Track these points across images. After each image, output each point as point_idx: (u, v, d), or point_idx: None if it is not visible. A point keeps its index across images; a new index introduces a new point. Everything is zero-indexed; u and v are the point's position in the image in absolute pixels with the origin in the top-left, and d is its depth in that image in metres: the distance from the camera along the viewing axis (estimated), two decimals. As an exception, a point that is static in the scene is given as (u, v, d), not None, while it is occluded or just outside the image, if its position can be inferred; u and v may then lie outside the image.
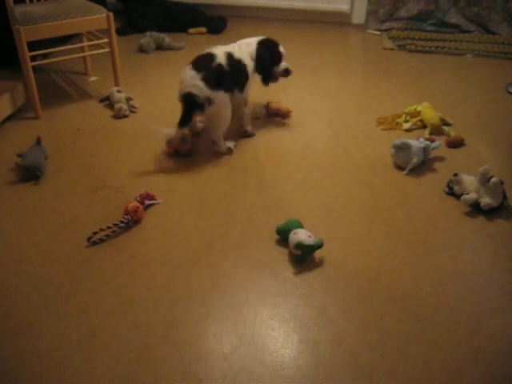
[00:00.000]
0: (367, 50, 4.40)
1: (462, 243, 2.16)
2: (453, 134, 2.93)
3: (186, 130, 2.63)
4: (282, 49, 2.92)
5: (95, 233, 2.13)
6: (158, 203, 2.36)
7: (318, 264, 2.03)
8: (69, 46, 3.46)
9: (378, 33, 4.68)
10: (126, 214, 2.20)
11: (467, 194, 2.34)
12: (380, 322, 1.78)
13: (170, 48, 4.26)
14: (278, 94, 3.33)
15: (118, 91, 3.25)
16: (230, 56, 2.64)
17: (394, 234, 2.20)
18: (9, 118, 3.05)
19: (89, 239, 2.12)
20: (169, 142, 2.69)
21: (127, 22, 4.66)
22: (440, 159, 2.73)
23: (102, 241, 2.13)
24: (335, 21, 4.87)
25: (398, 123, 3.07)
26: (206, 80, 2.48)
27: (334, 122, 3.14)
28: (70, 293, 1.89)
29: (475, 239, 2.18)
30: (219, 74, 2.55)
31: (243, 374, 1.60)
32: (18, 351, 1.67)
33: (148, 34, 4.28)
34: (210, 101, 2.50)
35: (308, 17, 4.91)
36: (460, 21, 4.53)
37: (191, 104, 2.49)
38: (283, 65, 2.92)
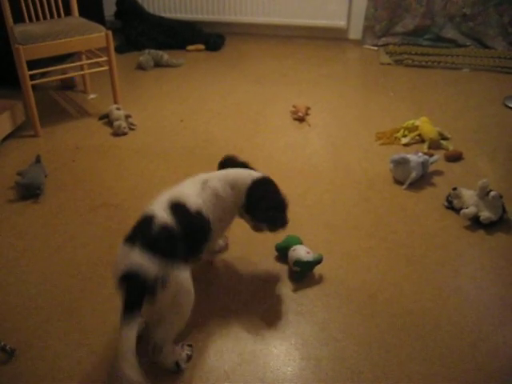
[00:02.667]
0: (364, 65, 4.44)
1: (462, 257, 2.16)
2: (451, 148, 2.95)
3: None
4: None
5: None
6: None
7: (318, 280, 2.02)
8: (68, 65, 3.48)
9: (375, 48, 4.71)
10: None
11: (466, 207, 2.34)
12: (381, 337, 1.77)
13: (168, 65, 4.29)
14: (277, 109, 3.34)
15: (117, 109, 3.26)
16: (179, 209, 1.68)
17: (393, 249, 2.20)
18: (8, 136, 3.06)
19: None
20: None
21: (126, 39, 4.69)
22: (439, 173, 2.73)
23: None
24: (332, 37, 4.91)
25: (396, 138, 3.08)
26: (148, 250, 1.51)
27: (333, 137, 3.15)
28: (70, 311, 1.88)
29: (475, 253, 2.18)
30: (167, 240, 1.58)
31: (245, 392, 1.59)
32: (18, 372, 1.65)
33: (147, 51, 4.31)
34: (162, 281, 1.51)
35: (305, 33, 4.95)
36: (456, 35, 4.57)
37: (136, 288, 1.48)
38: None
